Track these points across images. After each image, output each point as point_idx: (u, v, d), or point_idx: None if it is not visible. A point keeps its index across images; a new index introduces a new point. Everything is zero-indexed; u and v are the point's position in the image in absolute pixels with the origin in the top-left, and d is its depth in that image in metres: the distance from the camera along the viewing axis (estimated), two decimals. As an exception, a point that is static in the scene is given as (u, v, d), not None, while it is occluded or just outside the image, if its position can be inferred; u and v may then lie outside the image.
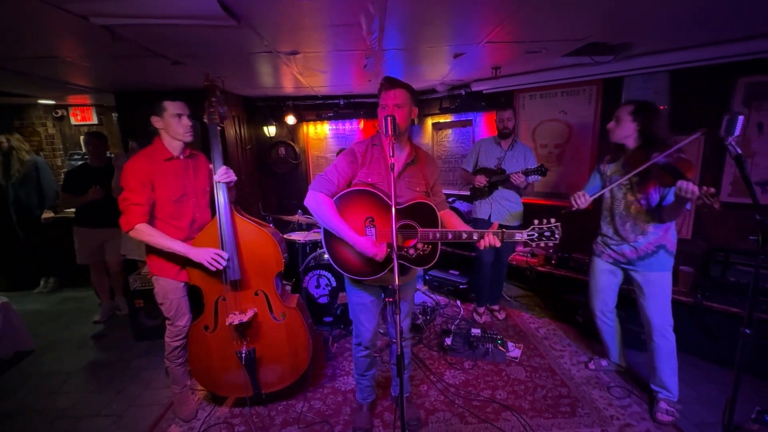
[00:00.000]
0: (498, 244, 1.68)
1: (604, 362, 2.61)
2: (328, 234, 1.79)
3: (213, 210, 2.16)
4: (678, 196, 1.81)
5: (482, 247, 1.71)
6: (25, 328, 2.99)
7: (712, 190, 1.65)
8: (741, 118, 1.34)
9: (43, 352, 3.11)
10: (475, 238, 1.71)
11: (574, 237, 3.63)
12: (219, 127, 2.06)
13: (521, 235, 1.70)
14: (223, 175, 2.00)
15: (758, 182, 2.68)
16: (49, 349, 3.17)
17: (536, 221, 1.70)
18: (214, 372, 2.20)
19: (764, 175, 2.67)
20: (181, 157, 2.07)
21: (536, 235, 1.69)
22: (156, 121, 2.00)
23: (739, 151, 1.36)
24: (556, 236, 1.69)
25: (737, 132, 1.35)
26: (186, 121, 2.00)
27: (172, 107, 1.97)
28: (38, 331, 3.44)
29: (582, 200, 2.08)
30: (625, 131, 2.10)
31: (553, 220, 1.68)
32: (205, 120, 2.03)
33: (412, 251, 1.77)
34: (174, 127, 1.99)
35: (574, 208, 2.09)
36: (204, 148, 2.14)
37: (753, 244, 1.40)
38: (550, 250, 1.68)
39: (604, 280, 2.38)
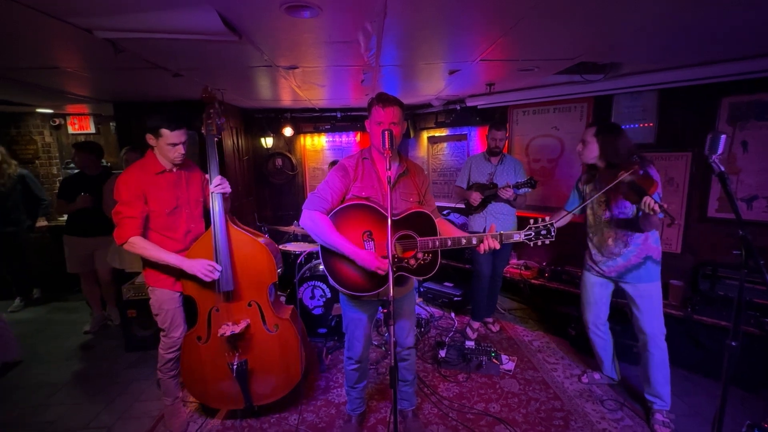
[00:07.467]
0: (497, 246, 1.70)
1: (597, 375, 2.62)
2: (326, 251, 1.79)
3: (207, 220, 2.16)
4: (643, 210, 1.91)
5: (482, 251, 1.72)
6: (12, 338, 2.95)
7: (665, 205, 1.80)
8: (723, 137, 1.39)
9: (31, 364, 3.06)
10: (474, 242, 1.72)
11: (566, 250, 3.68)
12: (216, 139, 2.08)
13: (519, 236, 1.72)
14: (217, 185, 2.02)
15: (744, 198, 2.76)
16: (37, 361, 3.11)
17: (531, 221, 1.72)
18: (206, 383, 2.18)
19: (750, 191, 2.74)
20: (174, 169, 2.08)
21: (533, 234, 1.72)
22: (150, 139, 1.99)
23: (722, 169, 1.40)
24: (552, 234, 1.71)
25: (720, 150, 1.40)
26: (180, 149, 2.00)
27: (170, 137, 1.94)
28: (26, 341, 3.38)
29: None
30: (592, 152, 2.22)
31: (547, 218, 1.72)
32: (203, 131, 2.06)
33: (412, 261, 1.78)
34: (166, 153, 2.00)
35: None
36: (201, 158, 2.15)
37: (738, 258, 1.44)
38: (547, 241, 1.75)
39: (595, 293, 2.43)
